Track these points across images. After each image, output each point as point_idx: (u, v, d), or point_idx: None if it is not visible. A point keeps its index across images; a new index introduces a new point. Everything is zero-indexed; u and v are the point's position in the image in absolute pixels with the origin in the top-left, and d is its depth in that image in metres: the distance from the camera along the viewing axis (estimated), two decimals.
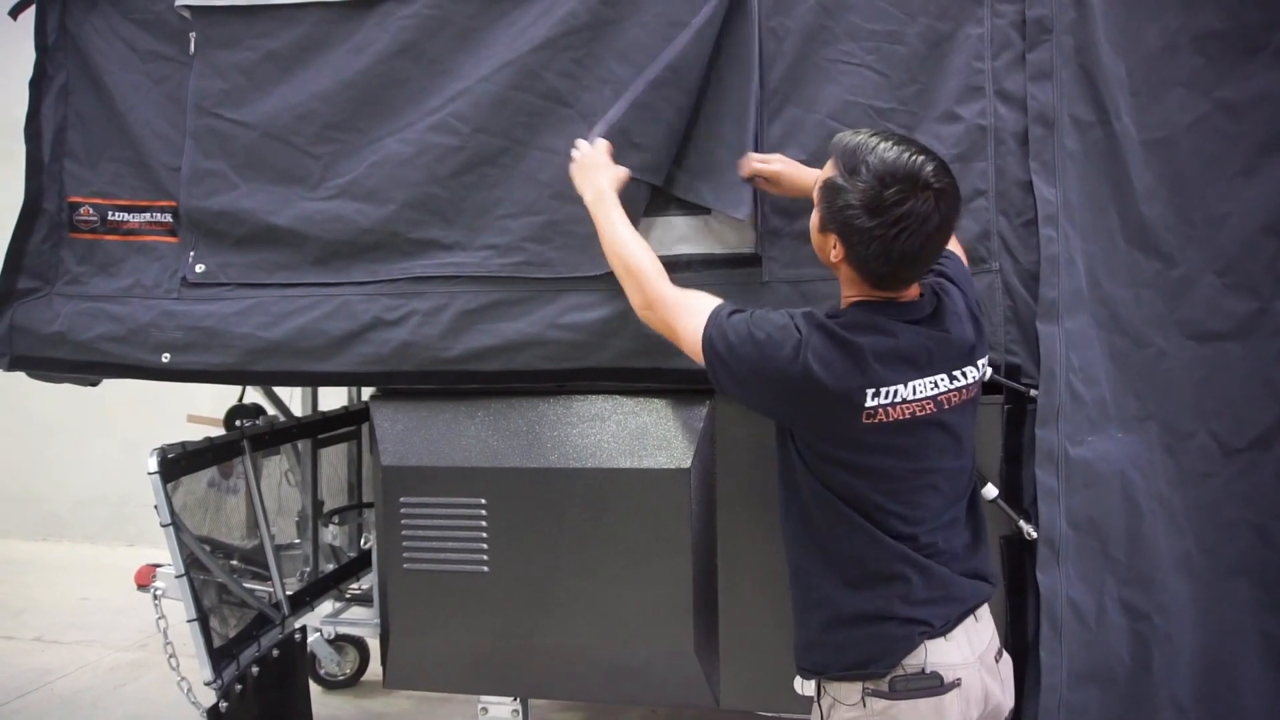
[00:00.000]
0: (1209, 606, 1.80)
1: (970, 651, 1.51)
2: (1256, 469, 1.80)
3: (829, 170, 1.48)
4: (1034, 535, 1.79)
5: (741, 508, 2.02)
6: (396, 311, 2.09)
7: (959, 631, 1.51)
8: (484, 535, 2.12)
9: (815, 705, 1.56)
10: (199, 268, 2.18)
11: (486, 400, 2.13)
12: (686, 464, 2.01)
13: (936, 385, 1.47)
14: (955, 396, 1.50)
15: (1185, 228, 1.81)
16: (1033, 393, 1.80)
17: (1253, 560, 1.80)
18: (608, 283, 1.97)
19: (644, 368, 1.99)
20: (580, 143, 1.84)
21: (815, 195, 1.50)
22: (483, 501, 2.12)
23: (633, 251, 1.70)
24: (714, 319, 1.54)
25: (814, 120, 1.89)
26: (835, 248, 1.47)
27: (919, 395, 1.45)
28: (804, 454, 1.52)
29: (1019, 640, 1.85)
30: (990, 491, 1.82)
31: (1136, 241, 1.82)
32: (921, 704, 1.46)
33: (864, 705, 1.47)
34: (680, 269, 1.95)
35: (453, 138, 1.99)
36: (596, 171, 1.79)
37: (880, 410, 1.43)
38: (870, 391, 1.42)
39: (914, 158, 1.40)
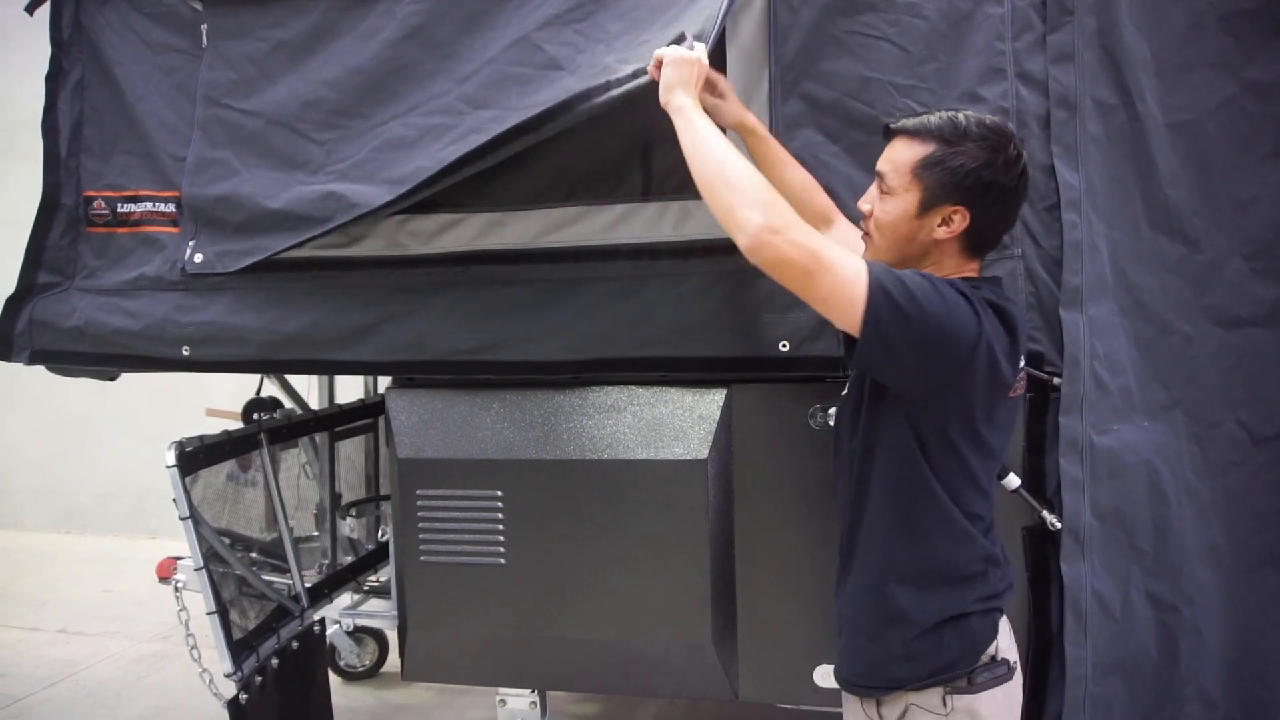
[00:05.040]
0: (1238, 598, 1.78)
1: (1008, 632, 1.52)
2: None
3: (914, 151, 1.43)
4: (1058, 525, 1.77)
5: (759, 498, 2.00)
6: (411, 303, 2.09)
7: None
8: (500, 527, 2.12)
9: (870, 715, 1.49)
10: (197, 258, 2.18)
11: (502, 392, 2.13)
12: (703, 455, 2.00)
13: (1024, 358, 1.49)
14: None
15: (1211, 212, 1.77)
16: (1056, 381, 1.77)
17: None
18: (619, 268, 1.97)
19: (662, 357, 1.97)
20: (688, 44, 1.57)
21: (903, 181, 1.44)
22: (499, 494, 2.11)
23: (744, 168, 1.42)
24: (876, 265, 1.35)
25: (831, 98, 1.86)
26: (951, 221, 1.43)
27: (1022, 366, 1.48)
28: (931, 442, 1.41)
29: (1043, 632, 1.82)
30: (1013, 481, 1.79)
31: (1161, 226, 1.79)
32: (998, 693, 1.45)
33: (944, 705, 1.43)
34: (677, 255, 1.93)
35: (454, 118, 1.97)
36: (692, 80, 1.53)
37: (1017, 384, 1.44)
38: (1017, 363, 1.43)
39: (995, 118, 1.48)
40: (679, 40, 1.61)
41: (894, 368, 1.36)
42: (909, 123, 1.46)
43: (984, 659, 1.45)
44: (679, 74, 1.52)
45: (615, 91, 1.68)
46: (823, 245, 1.34)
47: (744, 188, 1.38)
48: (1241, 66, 1.75)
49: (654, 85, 1.56)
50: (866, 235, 1.53)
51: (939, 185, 1.42)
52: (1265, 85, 1.75)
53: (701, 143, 1.45)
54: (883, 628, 1.47)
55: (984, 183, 1.41)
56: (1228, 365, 1.78)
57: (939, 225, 1.43)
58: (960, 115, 1.44)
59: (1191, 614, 1.76)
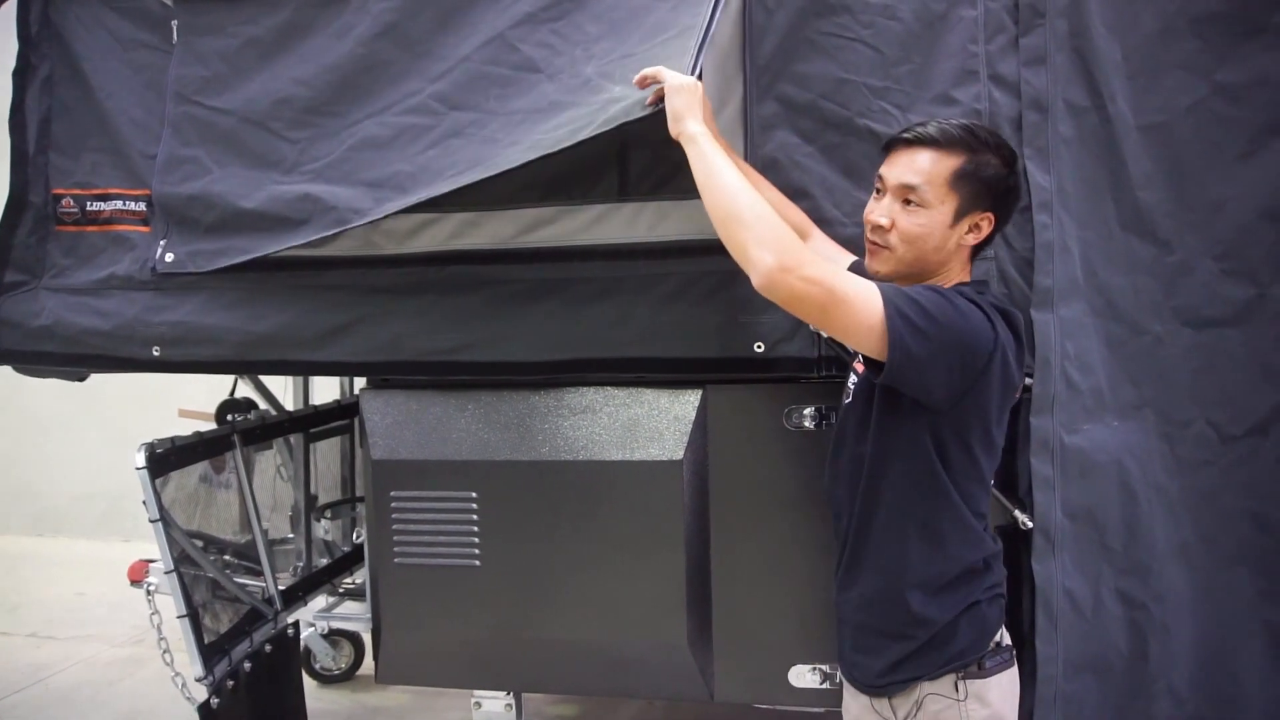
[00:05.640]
0: (1208, 595, 1.79)
1: None
2: (1255, 456, 1.78)
3: (946, 163, 1.45)
4: (1029, 525, 1.78)
5: (735, 499, 2.00)
6: (386, 303, 2.07)
7: None
8: (475, 529, 2.10)
9: (882, 712, 1.52)
10: (168, 257, 2.15)
11: (477, 393, 2.11)
12: (679, 455, 1.99)
13: None
14: None
15: (1183, 213, 1.79)
16: (1027, 381, 1.78)
17: (1252, 548, 1.79)
18: (596, 268, 1.96)
19: (638, 357, 1.97)
20: (680, 76, 1.53)
21: (939, 193, 1.45)
22: (474, 495, 2.10)
23: (755, 203, 1.40)
24: (887, 286, 1.38)
25: (806, 100, 1.86)
26: (979, 228, 1.49)
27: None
28: (951, 448, 1.44)
29: (1014, 631, 1.83)
30: None
31: (1133, 228, 1.80)
32: (1003, 678, 1.49)
33: (957, 690, 1.46)
34: (653, 256, 1.93)
35: (429, 118, 1.95)
36: (698, 106, 1.51)
37: (1024, 383, 1.50)
38: (1023, 366, 1.48)
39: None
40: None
41: (923, 384, 1.39)
42: (932, 133, 1.47)
43: (990, 645, 1.49)
44: (687, 101, 1.50)
45: (618, 121, 1.62)
46: (835, 278, 1.36)
47: (756, 225, 1.38)
48: (1212, 69, 1.76)
49: (662, 114, 1.53)
50: (877, 246, 1.51)
51: (973, 194, 1.47)
52: (1235, 87, 1.76)
53: (716, 175, 1.44)
54: (902, 629, 1.49)
55: (1008, 188, 1.50)
56: (1198, 365, 1.79)
57: (967, 232, 1.49)
58: (968, 123, 1.50)
59: (1161, 612, 1.78)
